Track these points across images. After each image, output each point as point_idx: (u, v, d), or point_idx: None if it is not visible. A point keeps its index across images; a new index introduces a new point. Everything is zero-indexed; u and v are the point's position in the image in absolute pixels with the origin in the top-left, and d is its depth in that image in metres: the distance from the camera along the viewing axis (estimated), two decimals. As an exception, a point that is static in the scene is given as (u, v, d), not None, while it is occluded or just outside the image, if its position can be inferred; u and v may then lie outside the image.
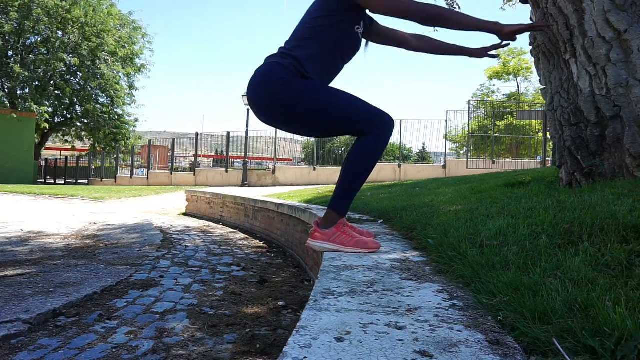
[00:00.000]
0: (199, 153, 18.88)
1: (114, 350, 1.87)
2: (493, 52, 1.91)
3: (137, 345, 1.94)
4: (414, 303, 1.17)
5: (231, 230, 6.27)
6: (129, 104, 26.44)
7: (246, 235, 5.73)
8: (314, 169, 15.15)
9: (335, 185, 1.87)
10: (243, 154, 16.33)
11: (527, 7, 3.32)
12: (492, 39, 1.85)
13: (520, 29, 1.77)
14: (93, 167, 25.54)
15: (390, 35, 1.99)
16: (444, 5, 8.17)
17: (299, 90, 1.70)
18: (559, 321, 0.95)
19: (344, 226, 1.84)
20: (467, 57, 1.95)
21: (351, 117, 1.75)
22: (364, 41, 1.96)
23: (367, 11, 1.83)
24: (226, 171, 16.77)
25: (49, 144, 31.76)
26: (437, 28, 1.88)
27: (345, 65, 1.92)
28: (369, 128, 1.75)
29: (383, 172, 13.60)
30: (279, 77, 1.70)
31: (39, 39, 23.41)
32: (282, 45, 1.82)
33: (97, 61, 23.56)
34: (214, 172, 17.55)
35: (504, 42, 1.82)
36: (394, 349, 0.86)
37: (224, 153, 18.26)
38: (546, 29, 2.08)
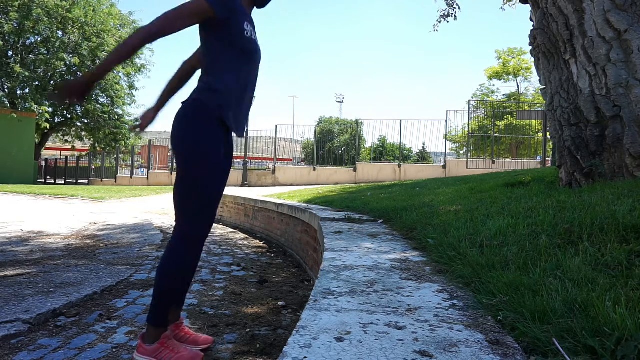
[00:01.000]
0: (199, 153, 18.83)
1: (114, 350, 1.87)
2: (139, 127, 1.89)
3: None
4: (414, 303, 1.17)
5: (231, 230, 6.27)
6: (129, 104, 26.44)
7: (246, 235, 5.73)
8: (314, 169, 15.15)
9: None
10: (243, 154, 16.34)
11: (527, 7, 3.32)
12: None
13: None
14: (93, 167, 25.54)
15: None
16: (443, 5, 8.17)
17: (193, 140, 1.62)
18: (559, 321, 0.95)
19: (169, 340, 1.69)
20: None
21: (188, 198, 1.65)
22: None
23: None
24: (226, 171, 16.74)
25: (49, 144, 31.75)
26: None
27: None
28: (181, 223, 1.67)
29: (383, 172, 13.60)
30: (185, 121, 1.63)
31: (39, 39, 23.41)
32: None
33: (98, 61, 23.56)
34: (214, 172, 17.51)
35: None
36: (394, 349, 0.86)
37: (224, 153, 18.22)
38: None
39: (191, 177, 1.64)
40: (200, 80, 1.70)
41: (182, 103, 1.68)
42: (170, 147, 1.71)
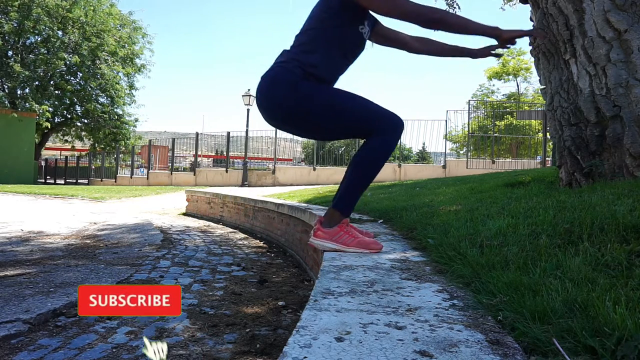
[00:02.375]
0: (199, 153, 18.88)
1: (114, 350, 1.87)
2: (495, 52, 1.90)
3: (137, 345, 1.94)
4: (414, 303, 1.17)
5: (231, 230, 6.27)
6: (129, 104, 26.44)
7: (246, 235, 5.73)
8: (314, 169, 15.14)
9: (335, 185, 1.88)
10: (243, 154, 16.33)
11: (527, 7, 3.32)
12: (490, 41, 1.84)
13: (520, 35, 1.78)
14: (93, 167, 25.54)
15: (392, 36, 1.99)
16: (444, 5, 8.17)
17: (309, 93, 1.70)
18: (559, 321, 0.95)
19: (347, 226, 1.83)
20: (470, 59, 1.95)
21: (361, 119, 1.75)
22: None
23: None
24: (226, 171, 16.77)
25: (49, 144, 31.75)
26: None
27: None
28: (379, 130, 1.74)
29: (383, 172, 13.44)
30: (287, 81, 1.70)
31: (39, 38, 23.41)
32: (287, 48, 1.83)
33: (97, 61, 23.56)
34: (214, 172, 17.55)
35: (503, 46, 1.82)
36: (394, 349, 0.86)
37: (224, 153, 18.26)
38: (545, 35, 2.07)
39: (341, 109, 1.75)
40: None
41: None
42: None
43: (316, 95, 1.71)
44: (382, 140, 1.75)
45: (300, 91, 1.69)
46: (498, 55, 1.92)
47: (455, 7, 8.32)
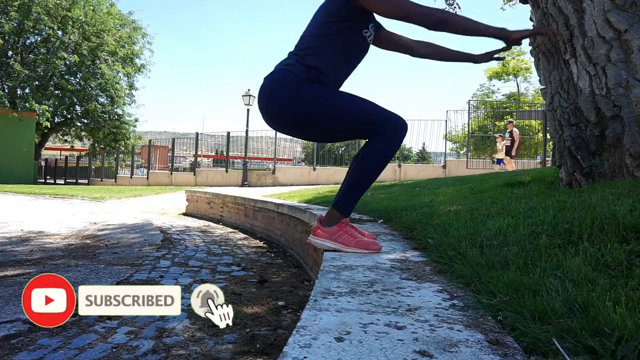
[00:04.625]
0: (199, 153, 18.88)
1: (114, 350, 1.87)
2: (498, 55, 1.90)
3: (137, 345, 1.94)
4: (414, 303, 1.17)
5: (231, 230, 6.27)
6: (129, 104, 26.44)
7: (246, 235, 5.73)
8: (314, 169, 15.14)
9: (335, 185, 1.88)
10: (243, 154, 16.33)
11: (527, 7, 3.32)
12: (493, 44, 1.84)
13: (528, 34, 1.78)
14: (93, 167, 25.53)
15: (396, 40, 1.98)
16: (444, 5, 8.16)
17: (313, 96, 1.70)
18: (559, 321, 0.95)
19: (347, 226, 1.84)
20: (473, 63, 1.94)
21: (364, 121, 1.75)
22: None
23: (375, 16, 1.83)
24: (226, 171, 16.77)
25: (49, 144, 31.74)
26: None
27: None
28: (382, 131, 1.75)
29: (383, 172, 13.49)
30: (291, 83, 1.70)
31: (39, 38, 23.40)
32: (292, 50, 1.82)
33: (97, 61, 23.55)
34: (214, 172, 17.55)
35: (510, 47, 1.81)
36: (394, 349, 0.86)
37: (224, 153, 18.26)
38: (550, 31, 2.07)
39: (345, 111, 1.75)
40: None
41: None
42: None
43: (320, 98, 1.71)
44: (386, 141, 1.76)
45: (304, 94, 1.69)
46: (501, 59, 1.91)
47: (455, 7, 8.31)
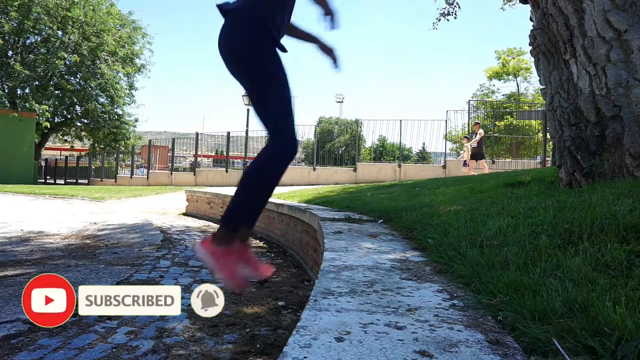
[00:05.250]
0: (199, 153, 18.88)
1: (114, 350, 1.87)
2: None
3: (137, 345, 1.94)
4: (414, 303, 1.17)
5: (231, 230, 6.26)
6: (129, 104, 26.43)
7: (246, 235, 5.72)
8: (314, 169, 15.14)
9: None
10: (243, 154, 16.34)
11: (527, 7, 3.32)
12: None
13: (324, 51, 1.75)
14: (93, 167, 25.53)
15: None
16: (443, 4, 8.17)
17: (263, 50, 1.56)
18: (559, 321, 0.95)
19: (233, 255, 1.53)
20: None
21: (275, 110, 1.56)
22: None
23: None
24: (226, 171, 16.77)
25: (49, 144, 31.74)
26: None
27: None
28: (276, 137, 1.56)
29: (383, 172, 13.60)
30: (252, 22, 1.56)
31: (39, 38, 23.40)
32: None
33: (97, 61, 23.55)
34: (214, 172, 17.55)
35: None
36: (394, 349, 0.86)
37: (224, 153, 18.26)
38: (333, 58, 1.96)
39: (273, 83, 1.57)
40: None
41: None
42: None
43: (268, 57, 1.58)
44: (272, 153, 1.56)
45: (259, 42, 1.56)
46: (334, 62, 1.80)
47: (455, 7, 8.32)
